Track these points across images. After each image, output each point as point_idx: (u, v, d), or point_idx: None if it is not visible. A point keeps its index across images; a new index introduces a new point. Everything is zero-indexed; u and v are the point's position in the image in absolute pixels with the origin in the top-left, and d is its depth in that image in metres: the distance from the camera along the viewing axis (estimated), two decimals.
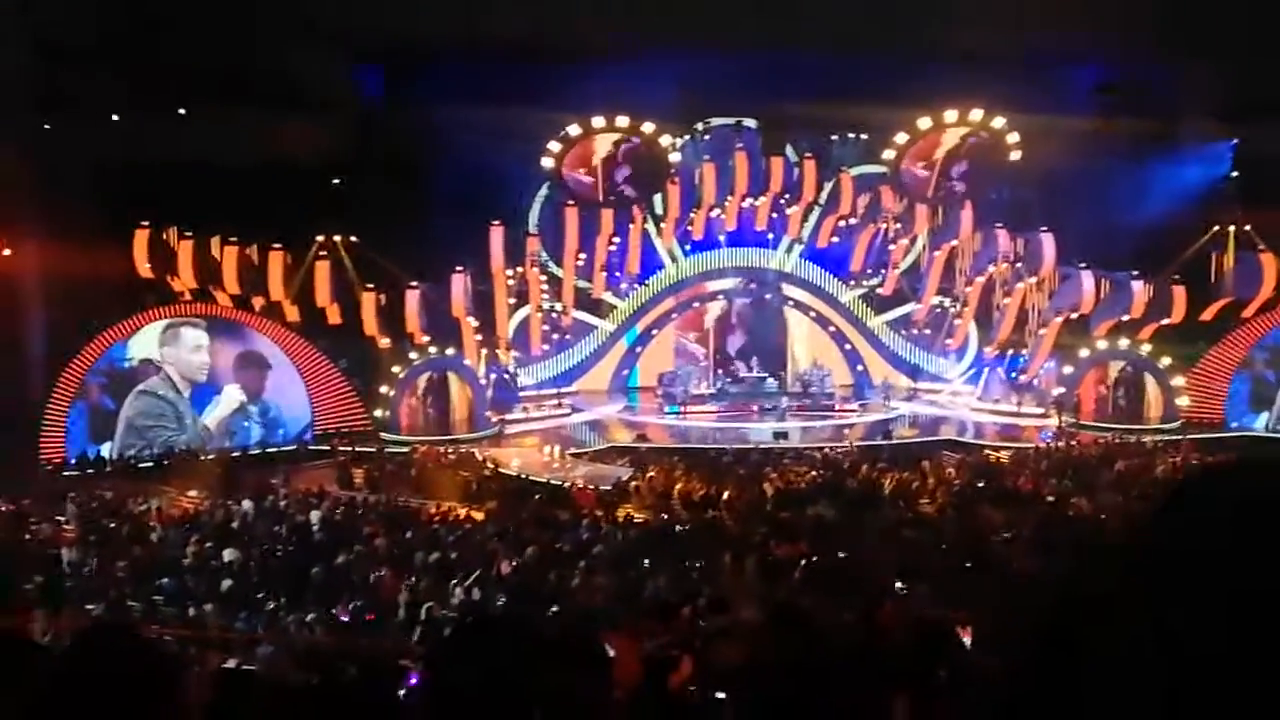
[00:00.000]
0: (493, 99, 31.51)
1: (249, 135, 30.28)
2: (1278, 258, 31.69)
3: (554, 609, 13.29)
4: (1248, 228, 33.89)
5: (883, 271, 38.51)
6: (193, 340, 30.69)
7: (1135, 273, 32.72)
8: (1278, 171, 30.66)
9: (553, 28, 31.81)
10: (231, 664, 11.25)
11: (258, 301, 32.24)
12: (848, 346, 38.81)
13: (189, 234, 31.42)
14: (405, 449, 30.32)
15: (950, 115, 33.66)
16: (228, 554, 17.44)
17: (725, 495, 24.19)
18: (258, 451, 30.56)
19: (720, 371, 37.75)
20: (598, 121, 33.78)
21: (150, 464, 28.82)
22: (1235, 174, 35.33)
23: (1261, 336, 32.60)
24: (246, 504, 22.28)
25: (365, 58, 34.67)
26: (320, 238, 33.42)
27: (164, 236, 31.45)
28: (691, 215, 37.19)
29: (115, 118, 31.72)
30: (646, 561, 17.09)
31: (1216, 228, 34.66)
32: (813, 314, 39.01)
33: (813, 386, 36.55)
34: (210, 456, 29.13)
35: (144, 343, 30.34)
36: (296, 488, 25.31)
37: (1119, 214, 32.30)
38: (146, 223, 30.89)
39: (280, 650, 11.50)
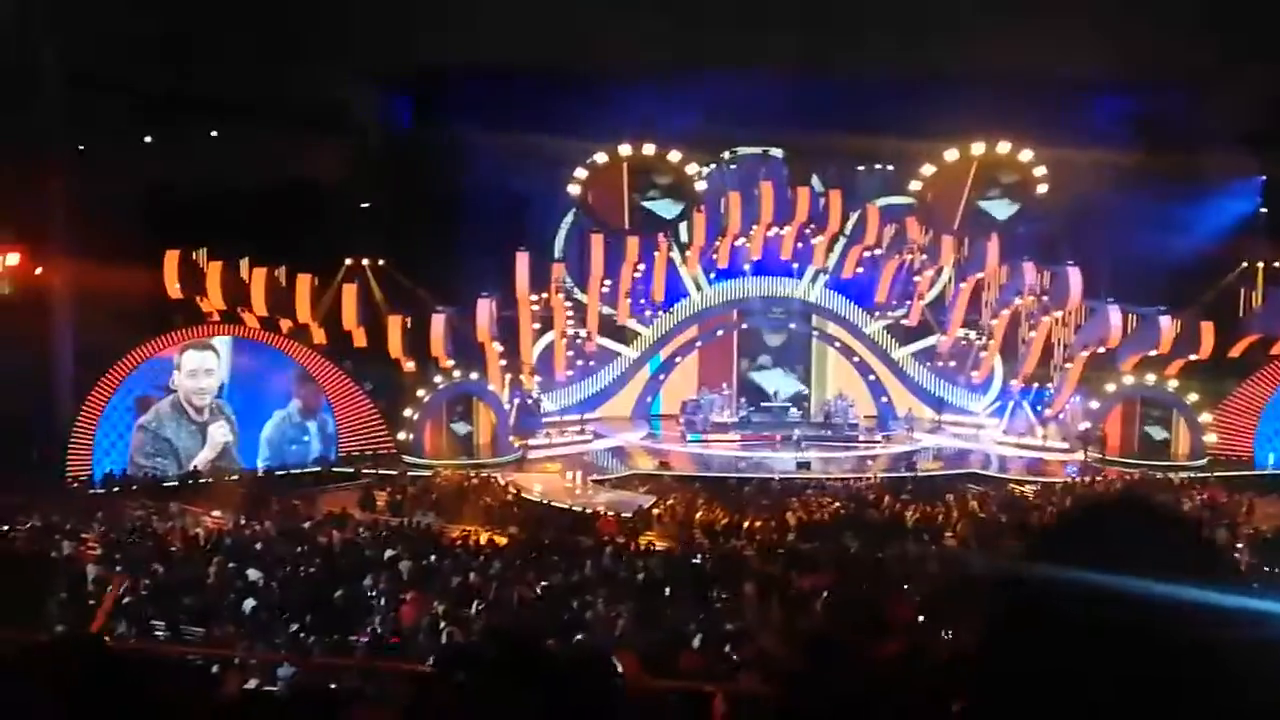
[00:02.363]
0: (520, 125, 31.77)
1: (279, 159, 30.62)
2: None
3: (577, 636, 13.25)
4: (1276, 264, 33.64)
5: (908, 303, 38.44)
6: (195, 364, 30.24)
7: (1163, 308, 32.53)
8: None
9: (581, 55, 32.05)
10: (252, 685, 11.28)
11: (285, 323, 32.47)
12: (872, 377, 38.69)
13: (219, 256, 31.67)
14: (428, 472, 30.40)
15: (978, 147, 33.63)
16: (250, 574, 17.48)
17: (747, 525, 24.13)
18: (282, 473, 30.65)
19: (743, 400, 37.66)
20: (624, 149, 33.92)
21: (175, 483, 28.95)
22: (1264, 209, 35.11)
23: None
24: (270, 525, 22.34)
25: (395, 83, 35.05)
26: (348, 261, 33.66)
27: (194, 258, 31.74)
28: (717, 243, 37.28)
29: (148, 140, 32.09)
30: (668, 590, 17.03)
31: (1245, 263, 34.43)
32: (837, 344, 38.95)
33: (836, 417, 36.43)
34: (234, 477, 29.25)
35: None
36: (320, 509, 25.38)
37: (1146, 248, 32.10)
38: (177, 244, 31.16)
39: (301, 673, 11.51)
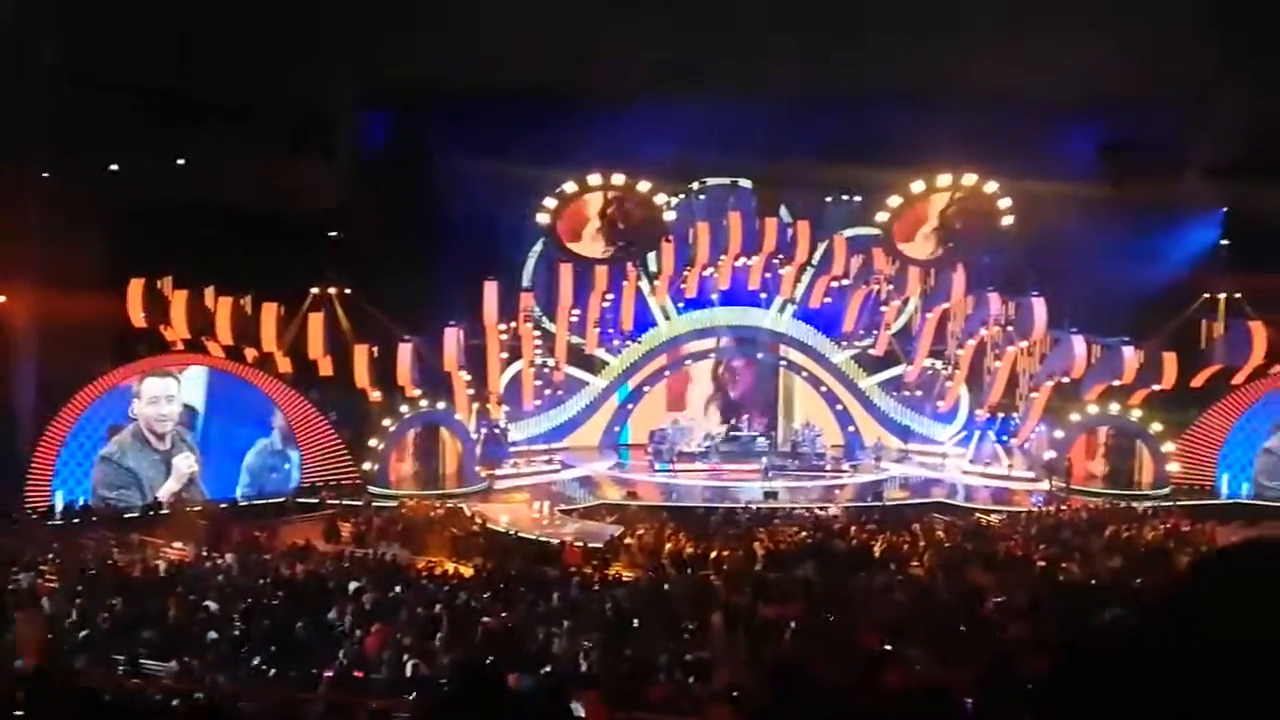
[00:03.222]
0: (489, 153, 31.78)
1: (246, 186, 30.42)
2: (1267, 325, 31.84)
3: (543, 669, 13.14)
4: (1238, 295, 34.10)
5: (875, 333, 38.68)
6: (156, 391, 29.78)
7: (1126, 339, 32.86)
8: (1267, 239, 30.95)
9: (552, 84, 32.11)
10: None
11: (250, 352, 32.20)
12: (839, 407, 38.83)
13: (183, 285, 31.41)
14: (393, 503, 30.14)
15: (944, 179, 33.94)
16: (211, 607, 17.24)
17: (714, 555, 24.06)
18: (244, 504, 30.29)
19: (710, 430, 37.64)
20: (593, 179, 33.98)
21: (136, 514, 28.55)
22: (1226, 241, 35.63)
23: (1251, 404, 32.65)
24: (231, 557, 22.07)
25: (363, 110, 34.98)
26: (315, 290, 33.48)
27: (158, 286, 31.46)
28: (685, 273, 37.38)
29: (114, 167, 31.84)
30: (635, 621, 16.93)
31: (1207, 295, 34.88)
32: (805, 374, 39.10)
33: (803, 446, 36.47)
34: (196, 508, 28.88)
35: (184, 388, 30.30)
36: (282, 541, 25.10)
37: (1110, 279, 32.47)
38: (141, 272, 30.87)
39: (263, 707, 11.34)
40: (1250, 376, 32.80)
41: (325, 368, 32.78)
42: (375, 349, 32.67)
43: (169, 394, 29.93)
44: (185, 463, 30.11)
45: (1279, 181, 30.80)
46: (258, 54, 30.08)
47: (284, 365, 32.37)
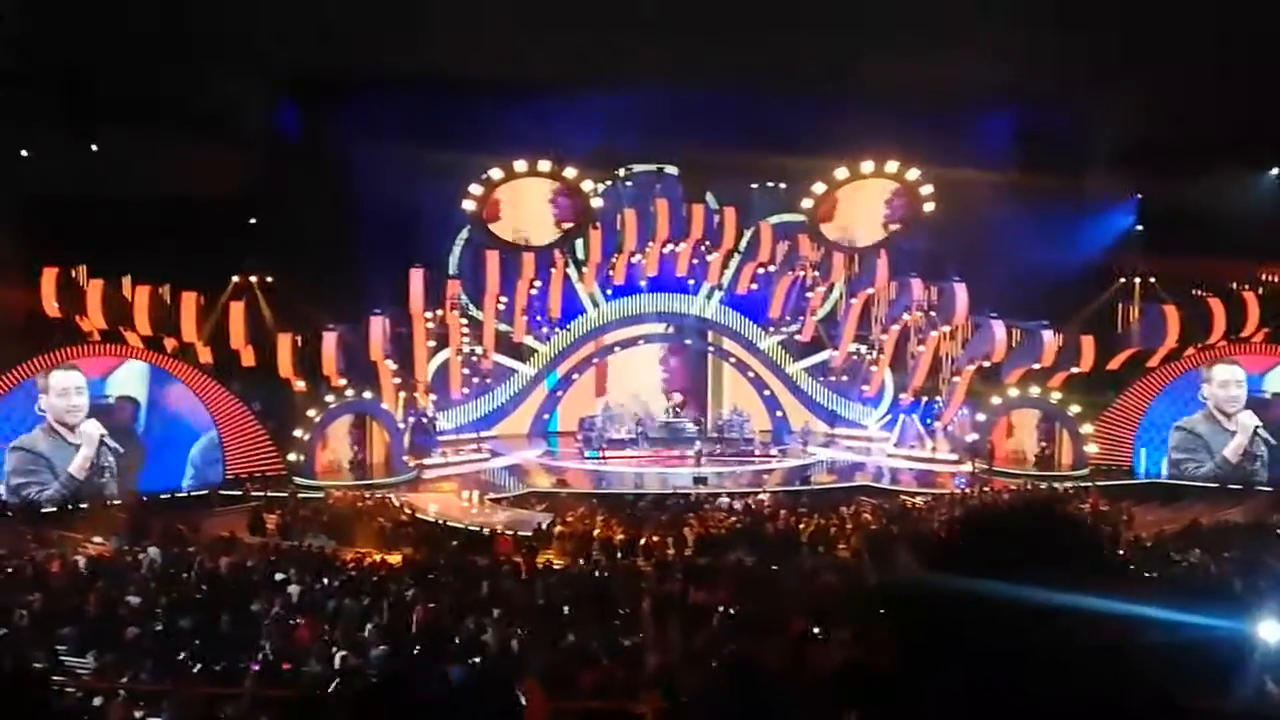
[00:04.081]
0: (414, 139, 31.47)
1: (163, 172, 29.80)
2: (1180, 308, 32.73)
3: (473, 660, 13.09)
4: (1152, 279, 34.98)
5: (801, 318, 39.04)
6: (63, 383, 28.86)
7: (1045, 322, 33.55)
8: (1178, 225, 31.82)
9: (476, 70, 31.86)
10: (138, 716, 10.90)
11: (170, 343, 31.54)
12: (767, 392, 39.14)
13: (100, 273, 30.66)
14: (320, 494, 29.78)
15: (867, 166, 34.33)
16: (133, 601, 16.91)
17: (645, 541, 24.17)
18: (166, 496, 29.69)
19: (640, 416, 37.73)
20: (520, 165, 33.80)
21: (54, 509, 27.85)
22: (1140, 226, 36.52)
23: (1166, 385, 33.54)
24: (153, 551, 21.65)
25: (284, 93, 34.40)
26: (236, 278, 32.88)
27: (73, 275, 30.67)
28: (613, 260, 37.39)
29: (25, 154, 30.97)
30: (566, 609, 16.95)
31: (1123, 279, 35.73)
32: (733, 360, 39.35)
33: (732, 432, 36.73)
34: (117, 501, 28.26)
35: (123, 380, 29.54)
36: (206, 533, 24.69)
37: (1029, 265, 33.14)
38: (56, 261, 30.07)
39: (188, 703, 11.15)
40: (1165, 358, 33.66)
41: (248, 357, 32.24)
42: (299, 338, 32.20)
43: (77, 385, 29.17)
44: (93, 428, 29.29)
45: (1189, 168, 31.71)
46: (175, 42, 29.42)
47: (205, 355, 31.77)
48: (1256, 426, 31.99)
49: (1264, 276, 33.69)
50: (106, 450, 29.39)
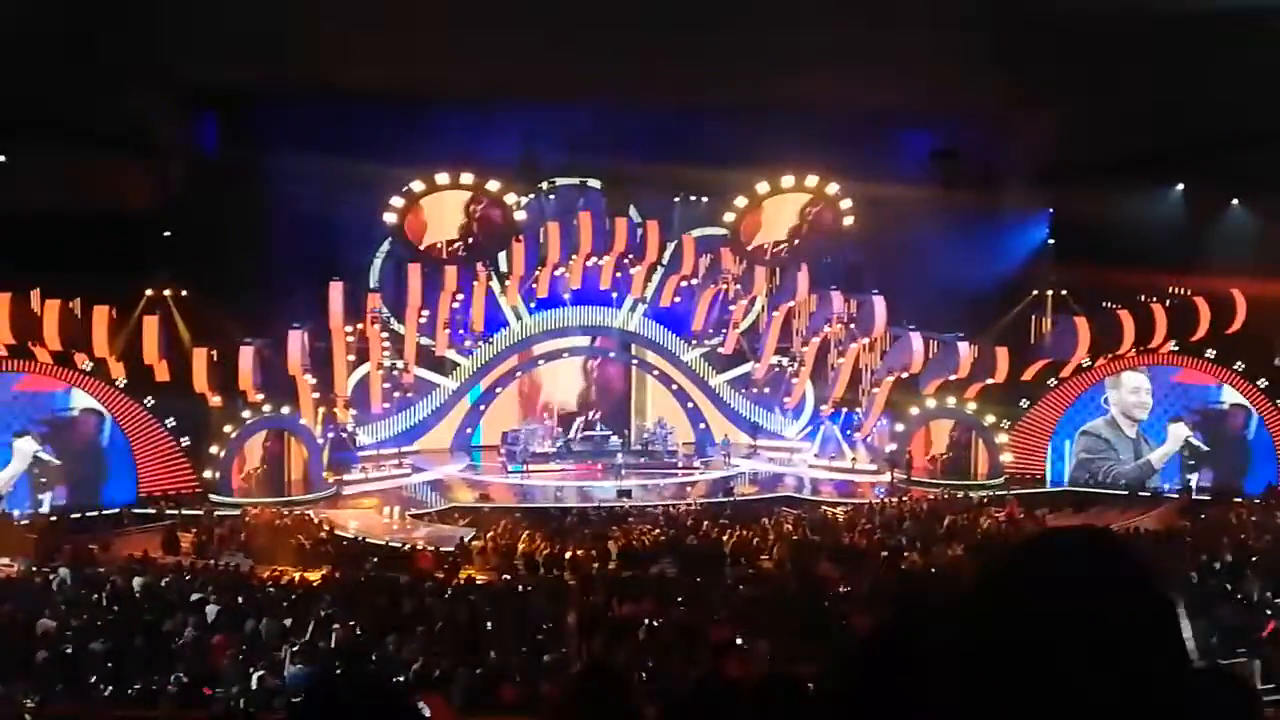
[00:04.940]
0: (334, 150, 31.12)
1: (73, 183, 29.05)
2: (1090, 320, 33.56)
3: (395, 677, 12.96)
4: (1064, 291, 35.83)
5: (723, 331, 39.31)
6: None
7: (961, 335, 34.19)
8: (1089, 240, 32.67)
9: (396, 81, 31.59)
10: None
11: (80, 359, 30.72)
12: (690, 405, 39.30)
13: (6, 287, 29.74)
14: (236, 511, 29.22)
15: (787, 180, 34.76)
16: (42, 624, 16.44)
17: (569, 555, 24.12)
18: (77, 515, 28.93)
19: (564, 430, 37.67)
20: (441, 178, 33.60)
21: None
22: (1052, 240, 37.42)
23: (1078, 395, 34.34)
24: (64, 571, 21.09)
25: (200, 105, 33.77)
26: (149, 291, 32.18)
27: None
28: (536, 273, 37.31)
29: None
30: (489, 624, 16.85)
31: (1036, 291, 36.57)
32: (656, 372, 39.47)
33: (655, 444, 36.82)
34: (24, 521, 27.49)
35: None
36: (118, 553, 24.10)
37: (946, 278, 33.77)
38: None
39: None
40: (1076, 370, 34.48)
41: (161, 372, 31.49)
42: (215, 352, 31.55)
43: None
44: (27, 445, 28.86)
45: (1099, 185, 32.61)
46: (85, 54, 28.69)
47: (118, 371, 30.99)
48: (1188, 437, 32.91)
49: (1171, 289, 34.65)
50: (41, 466, 28.89)
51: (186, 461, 31.10)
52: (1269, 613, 16.45)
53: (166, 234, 33.07)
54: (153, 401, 30.85)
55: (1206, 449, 32.72)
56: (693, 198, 38.09)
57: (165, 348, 31.49)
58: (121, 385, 30.69)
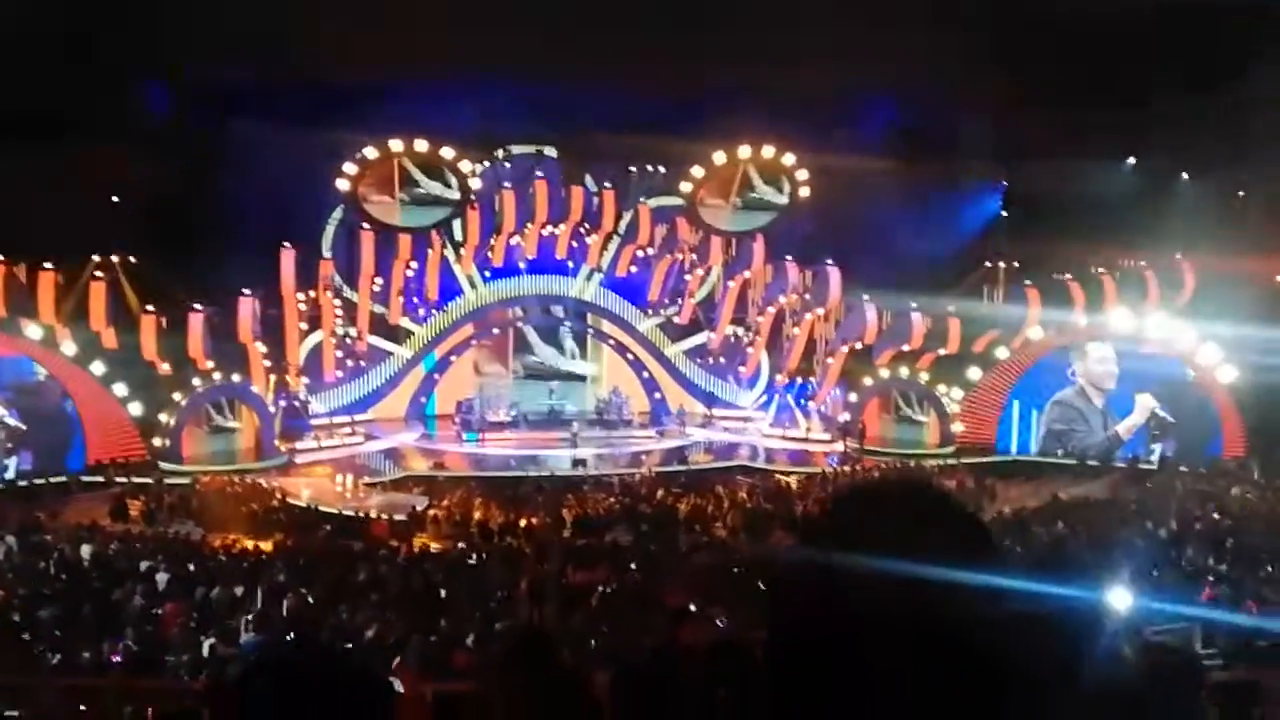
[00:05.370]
0: (286, 118, 30.70)
1: (20, 149, 28.41)
2: (1041, 292, 33.90)
3: (347, 645, 12.92)
4: (1016, 264, 36.19)
5: (679, 301, 39.33)
6: None
7: (914, 305, 34.45)
8: (1041, 212, 33.00)
9: (352, 49, 31.16)
10: None
11: (27, 324, 30.16)
12: (646, 374, 39.35)
13: None
14: (186, 479, 28.92)
15: (744, 151, 34.77)
16: None
17: (523, 523, 24.15)
18: (24, 483, 28.53)
19: (519, 398, 37.59)
20: (395, 145, 33.27)
21: None
22: (1005, 213, 37.74)
23: (1029, 366, 34.68)
24: (9, 539, 20.81)
25: (151, 71, 33.11)
26: (96, 257, 31.61)
27: None
28: (491, 242, 37.08)
29: None
30: (443, 592, 16.83)
31: (988, 263, 36.89)
32: (612, 342, 39.44)
33: (611, 413, 36.86)
34: None
35: None
36: (65, 521, 23.80)
37: (900, 250, 33.96)
38: None
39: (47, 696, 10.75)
40: (1026, 341, 34.84)
41: (110, 340, 31.03)
42: (164, 320, 31.13)
43: None
44: None
45: (1051, 158, 32.93)
46: (35, 13, 28.04)
47: (64, 337, 30.49)
48: (1154, 408, 33.05)
49: (1122, 261, 35.08)
50: (6, 430, 28.90)
51: (135, 429, 30.69)
52: (1210, 579, 16.80)
53: (115, 200, 32.52)
54: (102, 369, 30.34)
55: (1173, 421, 32.87)
56: (649, 167, 37.99)
57: (113, 315, 31.03)
58: (70, 353, 30.13)
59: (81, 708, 10.52)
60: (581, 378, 39.52)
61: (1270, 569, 17.25)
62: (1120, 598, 8.54)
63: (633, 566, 19.38)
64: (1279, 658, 11.97)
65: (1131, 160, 36.15)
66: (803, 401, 36.91)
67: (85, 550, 20.00)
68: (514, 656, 2.74)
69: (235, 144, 31.09)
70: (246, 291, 31.99)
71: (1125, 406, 33.45)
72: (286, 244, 33.28)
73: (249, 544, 22.38)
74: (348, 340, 36.52)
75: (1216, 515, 23.22)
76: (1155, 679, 3.20)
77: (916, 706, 1.11)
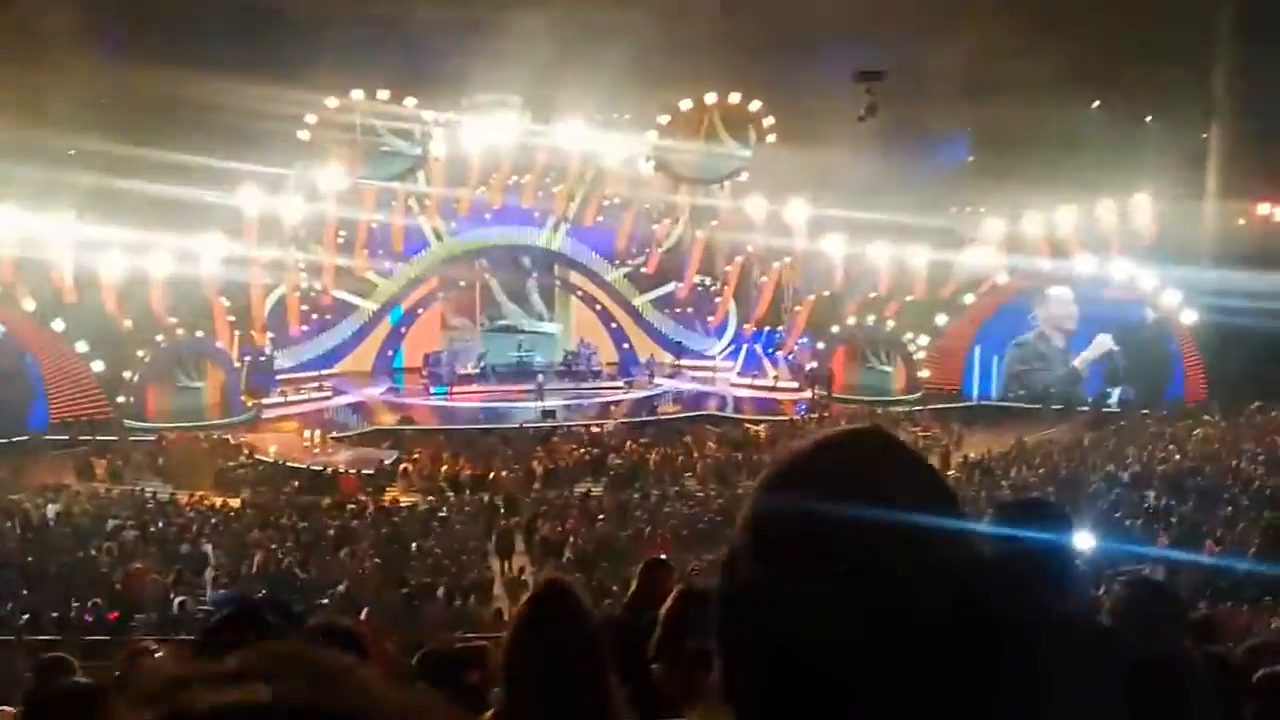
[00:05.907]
0: (251, 66, 30.12)
1: None
2: (1005, 236, 34.01)
3: (319, 600, 12.94)
4: (982, 210, 36.25)
5: (646, 251, 39.15)
6: None
7: (881, 251, 34.45)
8: (1007, 158, 33.03)
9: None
10: None
11: None
12: (614, 325, 39.28)
13: None
14: (152, 436, 28.69)
15: (710, 98, 34.54)
16: None
17: (493, 476, 24.17)
18: None
19: (487, 350, 37.43)
20: (357, 94, 32.79)
21: None
22: (971, 158, 37.75)
23: (993, 311, 34.89)
24: None
25: (111, 20, 32.37)
26: None
27: None
28: (456, 193, 36.69)
29: None
30: (413, 545, 16.86)
31: (955, 209, 36.94)
32: (579, 292, 39.30)
33: (579, 364, 36.78)
34: None
35: None
36: (30, 480, 23.61)
37: (868, 194, 33.87)
38: None
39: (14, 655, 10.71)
40: (990, 287, 35.02)
41: (70, 295, 30.58)
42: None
43: None
44: None
45: (1017, 103, 32.87)
46: None
47: (24, 294, 30.01)
48: (1112, 350, 33.45)
49: (1087, 204, 35.15)
50: None
51: (97, 386, 30.32)
52: (1172, 520, 17.09)
53: (71, 153, 31.89)
54: (63, 325, 29.91)
55: (1126, 364, 33.22)
56: (616, 116, 37.59)
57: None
58: (30, 308, 29.69)
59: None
60: (549, 335, 39.34)
61: (1229, 510, 17.56)
62: (1083, 540, 8.66)
63: (602, 517, 19.49)
64: (1237, 596, 12.22)
65: (1095, 104, 36.13)
66: (770, 350, 37.00)
67: (51, 510, 19.86)
68: (542, 610, 2.70)
69: (191, 88, 30.45)
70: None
71: (1085, 348, 34.02)
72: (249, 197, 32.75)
73: (217, 500, 22.29)
74: (313, 294, 36.16)
75: (1178, 457, 23.57)
76: (1139, 614, 3.24)
77: (911, 657, 1.10)
